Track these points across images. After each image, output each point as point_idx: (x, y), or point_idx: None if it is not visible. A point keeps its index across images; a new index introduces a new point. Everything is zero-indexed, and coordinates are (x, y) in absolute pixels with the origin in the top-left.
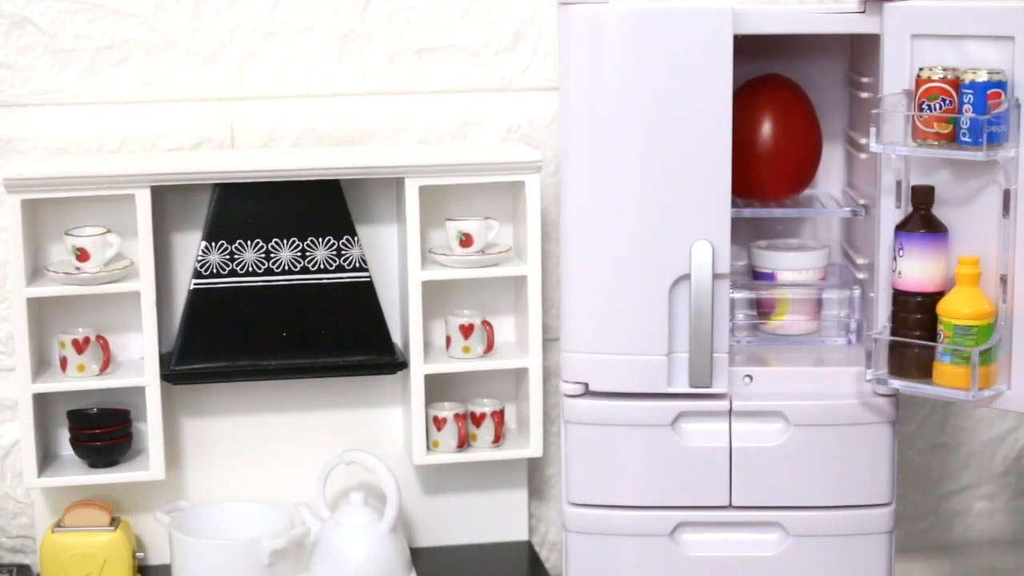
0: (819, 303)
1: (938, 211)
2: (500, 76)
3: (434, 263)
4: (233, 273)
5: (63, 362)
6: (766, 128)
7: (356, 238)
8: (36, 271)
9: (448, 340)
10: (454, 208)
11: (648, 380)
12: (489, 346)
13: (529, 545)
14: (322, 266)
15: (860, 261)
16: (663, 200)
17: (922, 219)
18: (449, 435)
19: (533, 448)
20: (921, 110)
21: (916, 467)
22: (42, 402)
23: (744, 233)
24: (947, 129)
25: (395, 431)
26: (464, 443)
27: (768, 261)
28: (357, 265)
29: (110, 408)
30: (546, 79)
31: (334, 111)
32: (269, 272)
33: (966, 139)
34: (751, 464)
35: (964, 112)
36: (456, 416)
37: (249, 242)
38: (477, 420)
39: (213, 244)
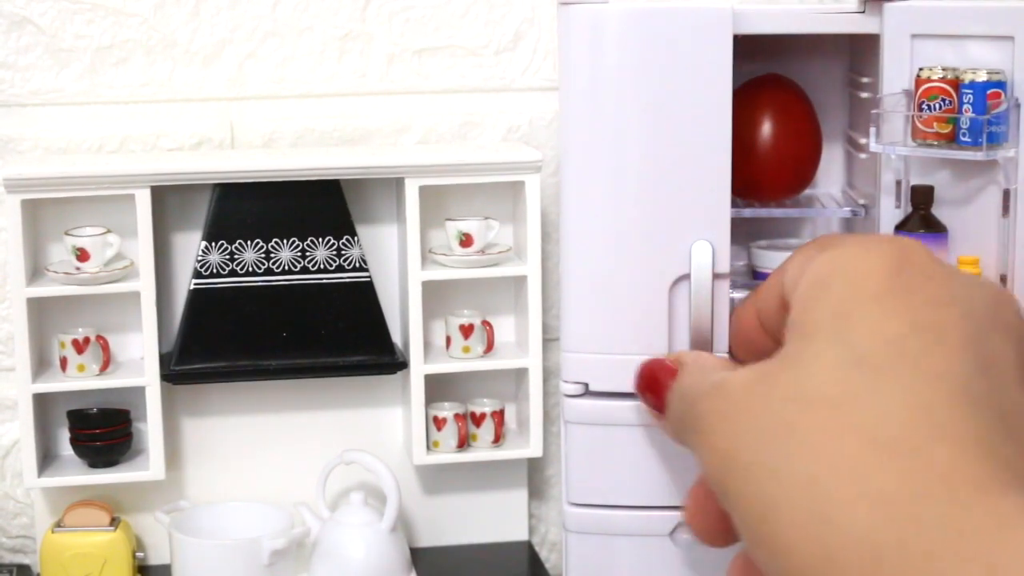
0: None
1: (937, 211)
2: (500, 76)
3: (434, 263)
4: (233, 273)
5: (63, 362)
6: (766, 128)
7: (356, 238)
8: (36, 271)
9: (448, 340)
10: (454, 208)
11: None
12: (489, 346)
13: (529, 545)
14: (322, 266)
15: None
16: (663, 200)
17: (922, 219)
18: (449, 435)
19: (533, 448)
20: (921, 110)
21: None
22: (42, 402)
23: (744, 233)
24: (947, 129)
25: (395, 431)
26: (464, 443)
27: (768, 261)
28: (357, 265)
29: (110, 408)
30: (546, 79)
31: (334, 111)
32: (269, 272)
33: (966, 139)
34: None
35: (964, 112)
36: (456, 416)
37: (249, 242)
38: (477, 420)
39: (213, 244)
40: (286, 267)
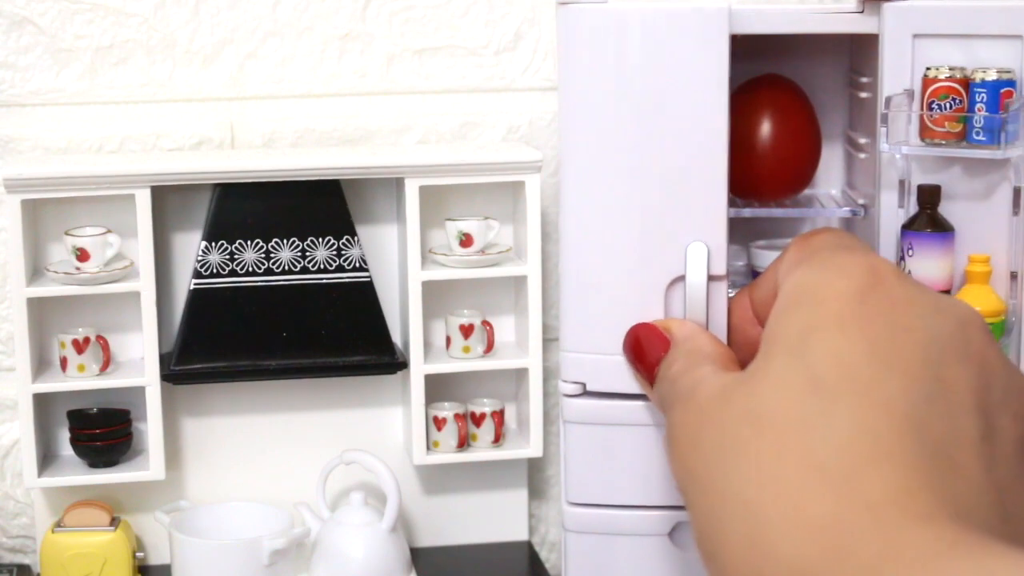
0: None
1: (944, 210)
2: (500, 76)
3: (434, 263)
4: (233, 273)
5: (63, 362)
6: (765, 128)
7: (356, 238)
8: (36, 271)
9: (448, 340)
10: (454, 208)
11: None
12: (489, 346)
13: (529, 545)
14: (322, 266)
15: None
16: (659, 201)
17: (929, 218)
18: (449, 435)
19: (533, 448)
20: (931, 109)
21: None
22: (42, 402)
23: (744, 233)
24: (957, 128)
25: (395, 431)
26: (464, 443)
27: (768, 261)
28: (357, 265)
29: (110, 408)
30: (546, 79)
31: (334, 111)
32: (269, 272)
33: (979, 137)
34: None
35: (977, 111)
36: (456, 416)
37: (249, 242)
38: (477, 420)
39: (213, 244)
40: (286, 267)
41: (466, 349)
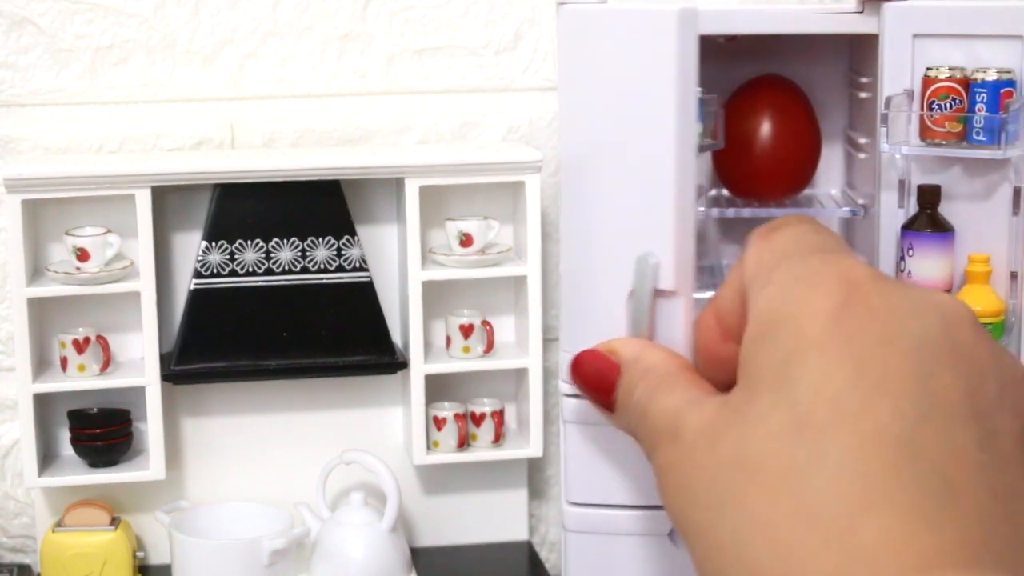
0: None
1: (944, 210)
2: (500, 76)
3: (434, 263)
4: (233, 273)
5: (63, 362)
6: (765, 128)
7: (356, 238)
8: (36, 271)
9: (448, 340)
10: (454, 208)
11: None
12: (489, 346)
13: (529, 545)
14: (322, 266)
15: None
16: (631, 205)
17: (929, 218)
18: (449, 435)
19: (533, 448)
20: (931, 109)
21: None
22: (42, 402)
23: (743, 233)
24: (958, 128)
25: (395, 431)
26: (464, 443)
27: None
28: (357, 265)
29: (110, 408)
30: (546, 79)
31: (334, 111)
32: (269, 272)
33: (980, 138)
34: None
35: (977, 111)
36: (456, 416)
37: (249, 242)
38: (477, 420)
39: (213, 244)
40: (286, 267)
41: (466, 349)
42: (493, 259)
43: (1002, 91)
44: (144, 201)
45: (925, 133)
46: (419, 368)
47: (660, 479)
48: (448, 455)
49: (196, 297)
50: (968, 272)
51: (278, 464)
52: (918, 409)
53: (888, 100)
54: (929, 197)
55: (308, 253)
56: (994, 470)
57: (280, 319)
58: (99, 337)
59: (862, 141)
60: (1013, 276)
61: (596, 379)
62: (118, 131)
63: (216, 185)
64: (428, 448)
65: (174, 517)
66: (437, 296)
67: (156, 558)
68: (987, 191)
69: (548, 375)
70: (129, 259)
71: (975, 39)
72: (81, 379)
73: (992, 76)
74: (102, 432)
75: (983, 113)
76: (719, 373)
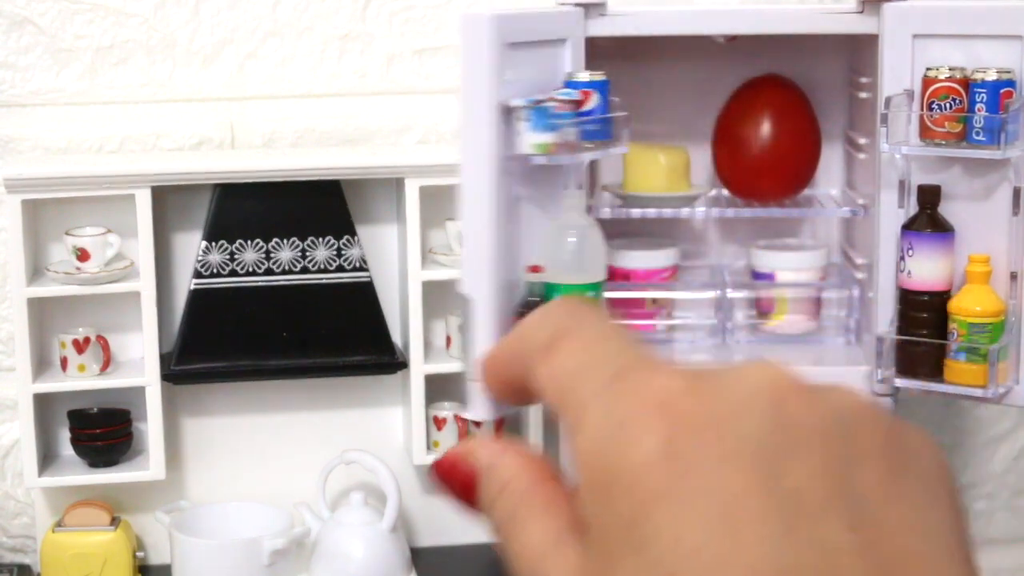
0: (818, 303)
1: (944, 210)
2: None
3: (434, 263)
4: (233, 273)
5: (63, 362)
6: (765, 128)
7: (356, 238)
8: (36, 271)
9: (448, 340)
10: (454, 208)
11: None
12: None
13: None
14: (322, 266)
15: (859, 261)
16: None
17: (929, 218)
18: (449, 435)
19: (533, 448)
20: (931, 110)
21: None
22: (42, 402)
23: (744, 233)
24: (957, 128)
25: (395, 431)
26: None
27: (767, 261)
28: (357, 265)
29: (110, 408)
30: None
31: (334, 111)
32: (269, 272)
33: (980, 138)
34: None
35: (977, 111)
36: (456, 416)
37: (249, 242)
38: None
39: (213, 244)
40: (286, 267)
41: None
42: None
43: (1002, 91)
44: (144, 201)
45: (925, 133)
46: (419, 368)
47: None
48: None
49: (196, 297)
50: (968, 272)
51: (278, 464)
52: (780, 523)
53: (888, 100)
54: (929, 197)
55: (308, 253)
56: (870, 545)
57: (280, 319)
58: (99, 337)
59: (862, 141)
60: (1013, 276)
61: (460, 488)
62: (118, 131)
63: (216, 185)
64: (428, 448)
65: (174, 517)
66: (437, 296)
67: (156, 558)
68: (987, 191)
69: None
70: (129, 259)
71: (975, 39)
72: (81, 379)
73: (992, 76)
74: (102, 432)
75: (983, 113)
76: (510, 395)
